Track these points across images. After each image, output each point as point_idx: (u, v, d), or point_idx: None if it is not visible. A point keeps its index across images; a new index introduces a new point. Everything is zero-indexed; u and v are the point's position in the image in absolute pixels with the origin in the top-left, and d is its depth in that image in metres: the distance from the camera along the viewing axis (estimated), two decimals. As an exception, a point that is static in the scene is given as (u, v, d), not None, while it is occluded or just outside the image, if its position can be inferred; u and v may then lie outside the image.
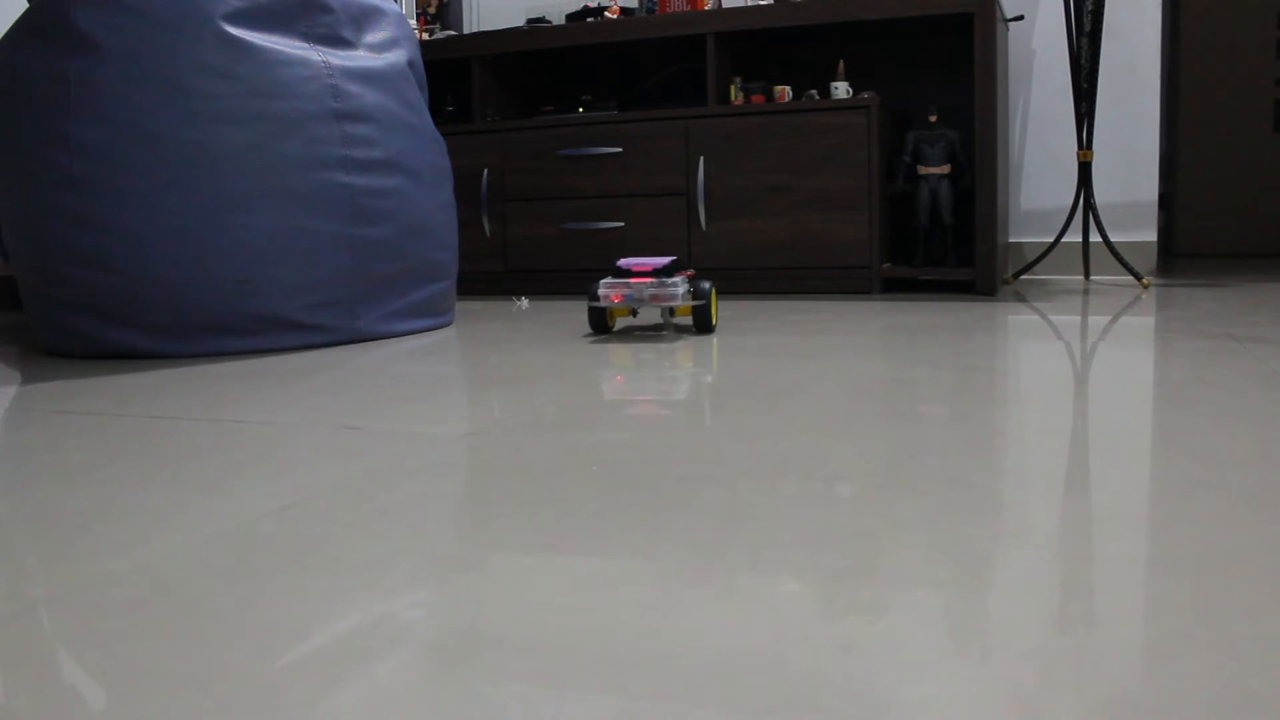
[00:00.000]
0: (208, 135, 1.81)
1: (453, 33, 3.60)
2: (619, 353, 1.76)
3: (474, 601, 0.63)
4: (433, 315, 2.19)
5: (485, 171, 3.11)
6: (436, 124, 3.32)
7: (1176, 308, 2.28)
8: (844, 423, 1.13)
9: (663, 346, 1.81)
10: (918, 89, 3.15)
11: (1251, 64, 4.79)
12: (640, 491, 0.87)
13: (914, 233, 3.05)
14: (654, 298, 1.93)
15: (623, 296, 1.95)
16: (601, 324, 2.03)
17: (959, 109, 3.10)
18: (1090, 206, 2.97)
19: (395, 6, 2.20)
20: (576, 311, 2.53)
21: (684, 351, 1.75)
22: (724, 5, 3.21)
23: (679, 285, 1.94)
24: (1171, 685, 0.49)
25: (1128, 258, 3.15)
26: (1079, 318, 2.13)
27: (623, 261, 1.98)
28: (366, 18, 2.09)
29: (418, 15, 3.67)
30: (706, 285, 1.98)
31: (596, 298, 1.98)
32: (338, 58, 1.97)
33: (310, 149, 1.89)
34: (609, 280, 1.97)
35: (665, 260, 1.97)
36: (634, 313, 2.04)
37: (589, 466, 0.96)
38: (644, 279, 1.94)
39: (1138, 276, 2.89)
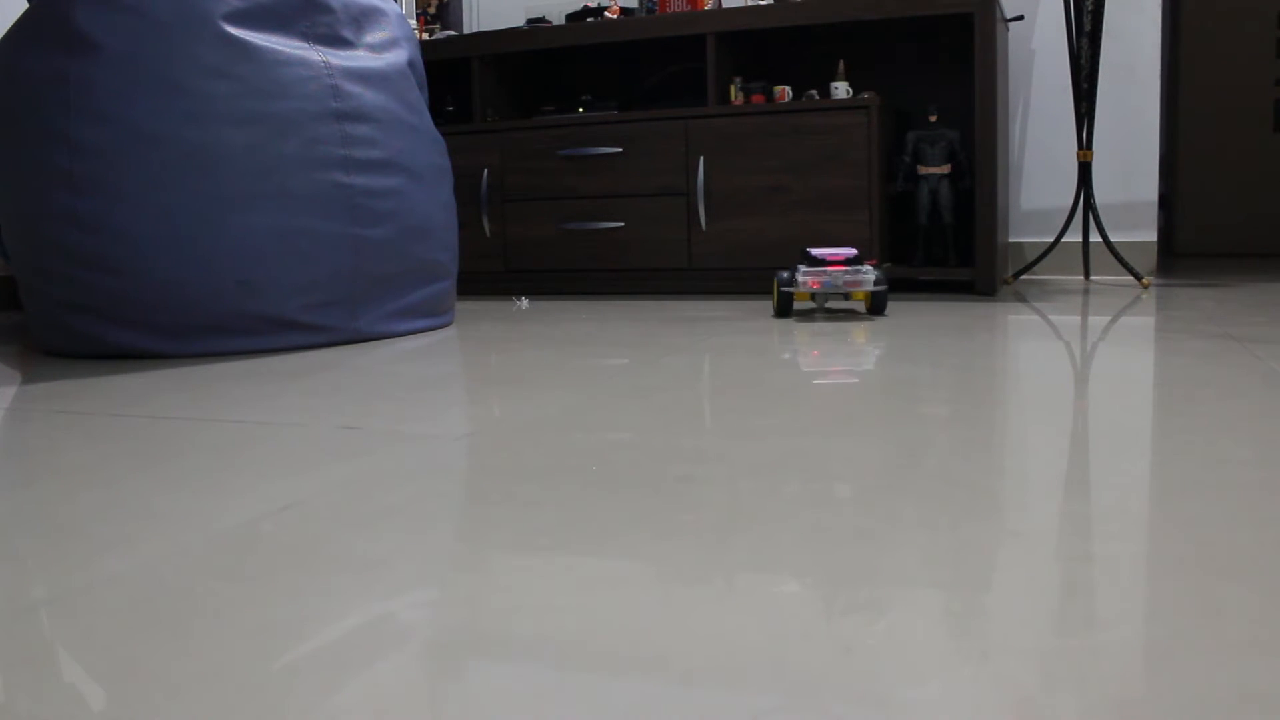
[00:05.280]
0: (208, 135, 1.80)
1: (453, 33, 3.60)
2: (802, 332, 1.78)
3: (474, 601, 0.63)
4: (433, 315, 2.19)
5: (485, 171, 3.11)
6: (436, 124, 3.32)
7: (1176, 308, 2.28)
8: (844, 423, 1.13)
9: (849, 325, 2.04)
10: (918, 89, 3.14)
11: (1251, 64, 4.79)
12: (640, 491, 0.87)
13: (914, 233, 3.05)
14: (849, 284, 2.20)
15: (821, 283, 2.19)
16: (788, 307, 2.27)
17: (959, 109, 3.10)
18: (1090, 206, 2.97)
19: (395, 6, 2.20)
20: (579, 311, 2.53)
21: (861, 331, 1.93)
22: (724, 5, 3.21)
23: (869, 273, 2.21)
24: (1171, 685, 0.49)
25: (1128, 258, 3.15)
26: (1079, 318, 2.13)
27: (815, 251, 2.25)
28: (366, 18, 2.09)
29: (418, 15, 3.67)
30: (881, 274, 2.26)
31: (792, 283, 2.22)
32: (338, 58, 1.97)
33: (310, 149, 1.89)
34: (807, 268, 2.21)
35: (853, 251, 2.26)
36: None
37: (589, 466, 0.96)
38: (839, 267, 2.22)
39: (1138, 276, 2.89)
